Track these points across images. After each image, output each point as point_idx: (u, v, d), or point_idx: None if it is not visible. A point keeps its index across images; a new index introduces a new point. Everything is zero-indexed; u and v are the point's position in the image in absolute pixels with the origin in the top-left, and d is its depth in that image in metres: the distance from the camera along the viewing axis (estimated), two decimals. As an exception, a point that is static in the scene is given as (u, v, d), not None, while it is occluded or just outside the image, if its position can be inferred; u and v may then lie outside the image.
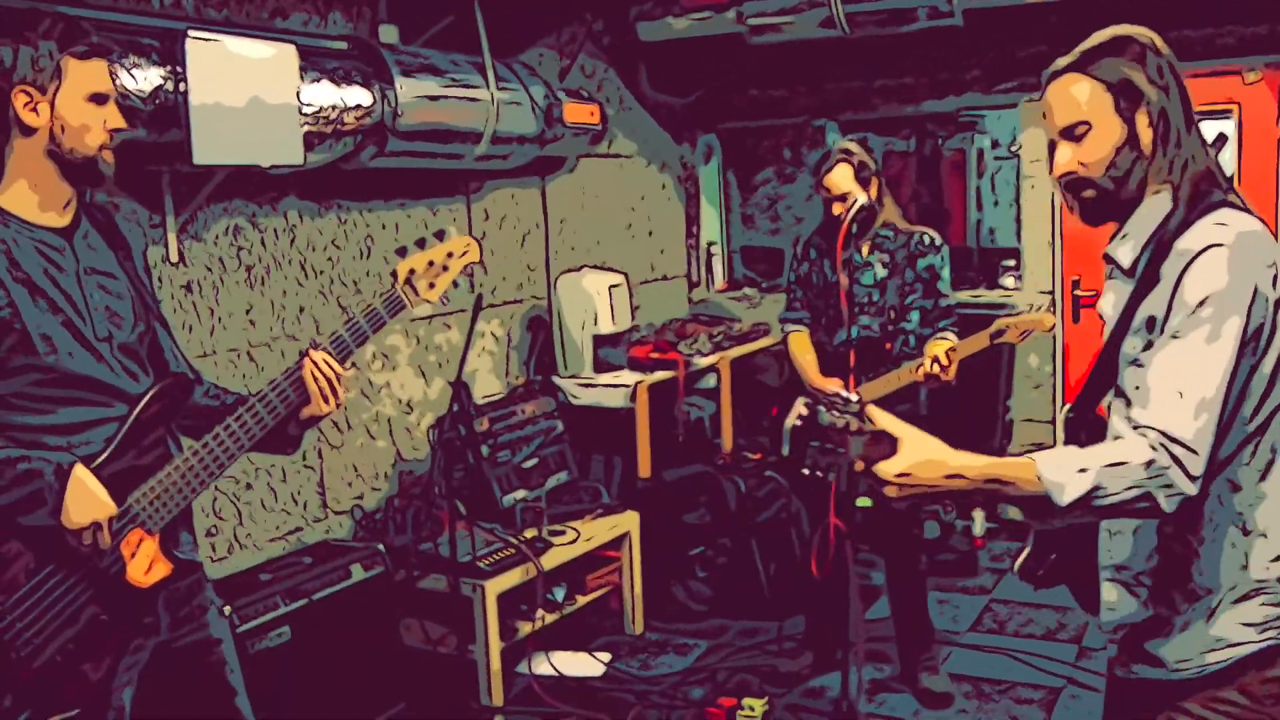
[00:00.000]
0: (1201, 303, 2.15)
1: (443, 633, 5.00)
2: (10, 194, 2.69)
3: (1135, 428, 2.14)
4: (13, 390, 2.64)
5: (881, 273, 4.84)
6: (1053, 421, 7.12)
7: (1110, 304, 2.41)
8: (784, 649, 5.40)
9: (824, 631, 5.15)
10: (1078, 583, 2.54)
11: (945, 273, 4.88)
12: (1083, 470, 2.09)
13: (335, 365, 2.92)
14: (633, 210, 7.40)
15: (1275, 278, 2.20)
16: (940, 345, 4.71)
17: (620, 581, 5.76)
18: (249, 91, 4.18)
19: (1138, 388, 2.22)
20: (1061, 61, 2.35)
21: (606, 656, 5.47)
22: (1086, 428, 2.44)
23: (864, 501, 5.65)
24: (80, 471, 2.60)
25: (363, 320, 3.01)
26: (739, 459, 6.42)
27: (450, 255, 3.08)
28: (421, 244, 3.10)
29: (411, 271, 3.04)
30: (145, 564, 2.71)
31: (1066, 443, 2.40)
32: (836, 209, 4.79)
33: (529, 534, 5.30)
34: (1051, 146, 2.39)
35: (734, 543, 5.97)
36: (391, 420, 5.54)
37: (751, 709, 4.84)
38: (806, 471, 2.36)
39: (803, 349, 4.99)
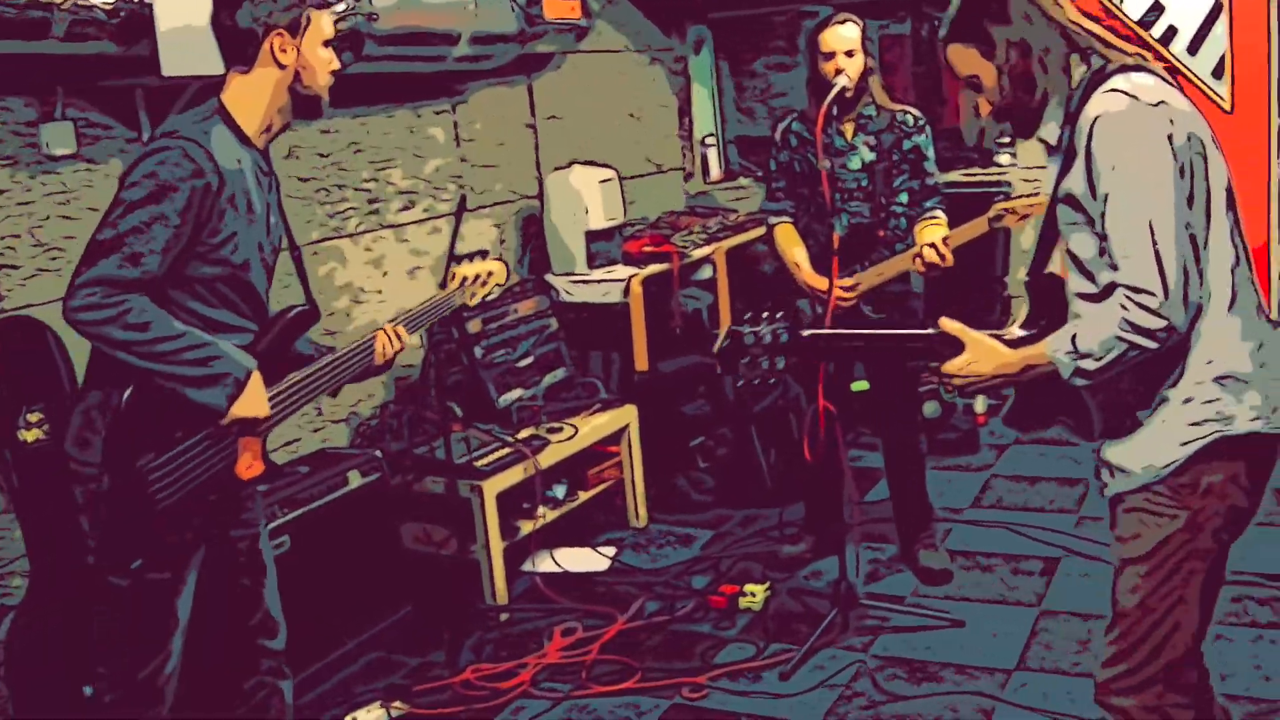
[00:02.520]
0: (1114, 166, 2.48)
1: (444, 535, 5.06)
2: (240, 107, 3.08)
3: (1109, 290, 2.48)
4: (204, 275, 3.01)
5: (869, 156, 4.78)
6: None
7: (1049, 179, 2.70)
8: (785, 535, 5.45)
9: (823, 516, 5.18)
10: (1069, 416, 2.76)
11: (930, 152, 4.83)
12: (1070, 347, 2.50)
13: (405, 337, 3.45)
14: (624, 105, 7.34)
15: (1171, 120, 2.50)
16: (933, 230, 4.68)
17: (621, 475, 5.80)
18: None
19: (1100, 254, 2.56)
20: (941, 33, 2.75)
21: (611, 551, 5.53)
22: (1044, 288, 2.76)
23: (859, 385, 5.68)
24: (258, 375, 3.02)
25: (431, 307, 3.60)
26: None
27: (491, 274, 3.73)
28: (472, 258, 3.76)
29: (465, 279, 3.69)
30: (249, 461, 3.10)
31: (1031, 305, 2.77)
32: (833, 72, 4.60)
33: (526, 433, 5.33)
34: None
35: (734, 432, 6.00)
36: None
37: (753, 594, 4.89)
38: (741, 383, 2.84)
39: (791, 241, 4.89)
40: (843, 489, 4.87)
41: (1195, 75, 6.62)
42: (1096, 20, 2.73)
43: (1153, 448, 2.60)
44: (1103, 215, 2.51)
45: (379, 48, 4.90)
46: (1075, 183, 2.58)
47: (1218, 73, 6.63)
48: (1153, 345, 2.44)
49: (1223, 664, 4.09)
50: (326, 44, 3.15)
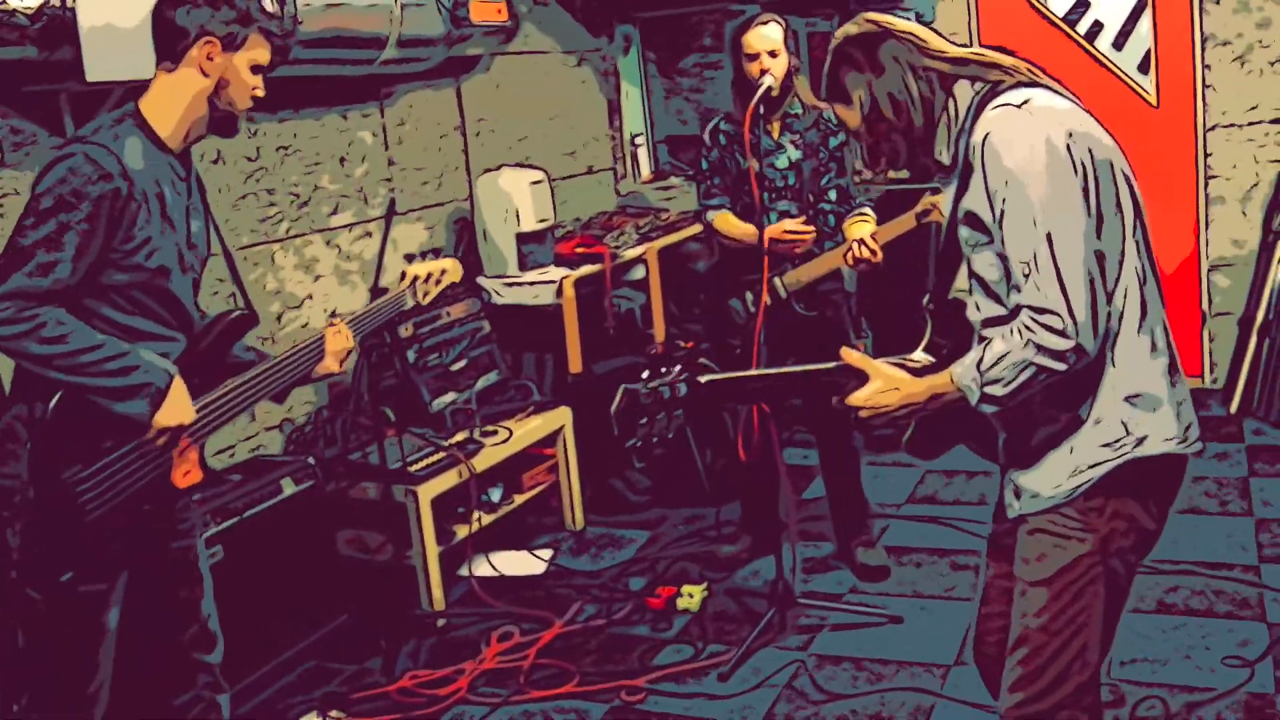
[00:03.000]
0: (1007, 181, 2.40)
1: (380, 541, 5.01)
2: (156, 112, 3.05)
3: (1013, 312, 2.42)
4: (118, 282, 2.97)
5: (795, 154, 4.80)
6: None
7: (946, 202, 2.64)
8: (722, 534, 5.45)
9: (759, 515, 5.19)
10: (973, 440, 2.77)
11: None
12: (975, 374, 2.44)
13: (351, 337, 3.43)
14: (553, 106, 7.32)
15: (1069, 133, 2.42)
16: (861, 226, 4.71)
17: (557, 478, 5.78)
18: (140, 2, 4.06)
19: (998, 280, 2.51)
20: (820, 97, 2.80)
21: (547, 554, 5.51)
22: (946, 313, 2.72)
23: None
24: (179, 381, 2.99)
25: (382, 308, 3.59)
26: (671, 348, 6.43)
27: (445, 272, 3.67)
28: (424, 255, 3.80)
29: (416, 277, 3.63)
30: (185, 469, 3.08)
31: (933, 329, 2.74)
32: (757, 72, 4.61)
33: (460, 437, 5.30)
34: None
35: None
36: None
37: (691, 595, 4.89)
38: (639, 444, 2.75)
39: (732, 223, 4.84)
40: (778, 488, 4.88)
41: (1121, 70, 6.72)
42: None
43: (1062, 469, 2.54)
44: (1003, 232, 2.43)
45: (304, 50, 4.86)
46: (975, 201, 2.50)
47: (1143, 67, 6.72)
48: (1061, 367, 2.37)
49: (1155, 651, 4.16)
50: (256, 69, 3.13)
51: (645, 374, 2.73)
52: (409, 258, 3.72)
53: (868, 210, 4.81)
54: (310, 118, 5.46)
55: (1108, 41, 6.71)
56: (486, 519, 5.33)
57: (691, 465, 5.95)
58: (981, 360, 2.43)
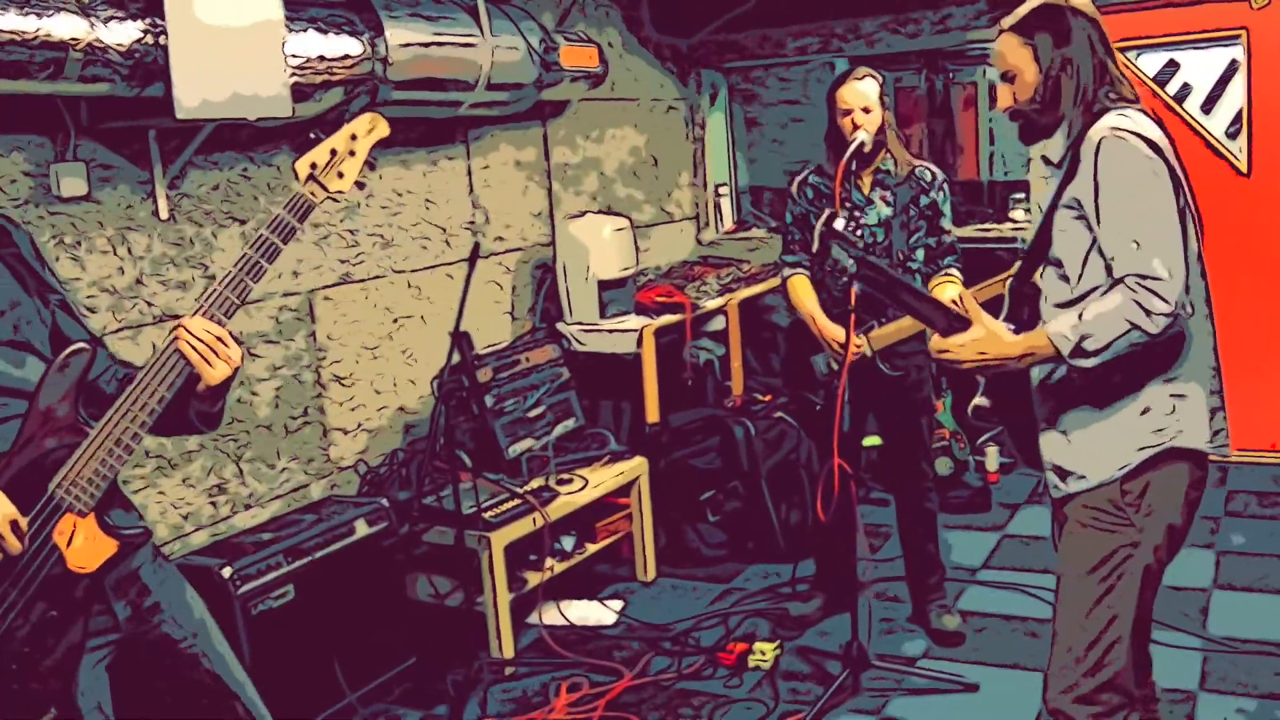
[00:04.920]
0: (1116, 174, 2.73)
1: (450, 586, 4.99)
2: None
3: (1115, 283, 2.69)
4: None
5: (885, 211, 4.74)
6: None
7: (1044, 195, 3.06)
8: (796, 592, 5.37)
9: (835, 574, 5.11)
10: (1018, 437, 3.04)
11: (947, 208, 4.79)
12: (1074, 325, 2.69)
13: (212, 328, 2.66)
14: (639, 153, 7.32)
15: (1161, 151, 2.76)
16: (949, 288, 4.64)
17: (630, 528, 5.73)
18: (232, 42, 4.10)
19: (1078, 262, 2.83)
20: (1006, 21, 2.97)
21: (618, 604, 5.45)
22: (1026, 295, 3.02)
23: (871, 440, 5.61)
24: None
25: (276, 227, 2.77)
26: (749, 401, 6.37)
27: (354, 138, 2.87)
28: (315, 136, 2.87)
29: (314, 166, 2.83)
30: (86, 548, 2.60)
31: (1010, 307, 3.03)
32: (851, 127, 4.60)
33: (535, 484, 5.27)
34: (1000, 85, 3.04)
35: (745, 486, 5.93)
36: (395, 373, 5.50)
37: (763, 653, 4.81)
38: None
39: (805, 293, 4.84)
40: (855, 548, 4.79)
41: (1210, 134, 6.60)
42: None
43: (1108, 450, 2.83)
44: (1108, 216, 2.73)
45: (394, 92, 4.89)
46: (1080, 190, 2.80)
47: (1233, 133, 6.59)
48: (1154, 330, 2.63)
49: None
50: None
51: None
52: (299, 146, 3.01)
53: (954, 271, 4.74)
54: (395, 159, 5.47)
55: (1196, 104, 6.60)
56: (558, 567, 5.29)
57: (766, 520, 5.87)
58: (1082, 315, 2.69)
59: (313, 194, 2.81)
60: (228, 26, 4.07)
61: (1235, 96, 6.52)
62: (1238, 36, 6.42)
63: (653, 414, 5.99)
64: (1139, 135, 2.75)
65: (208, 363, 2.65)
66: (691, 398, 6.39)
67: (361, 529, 4.57)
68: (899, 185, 4.75)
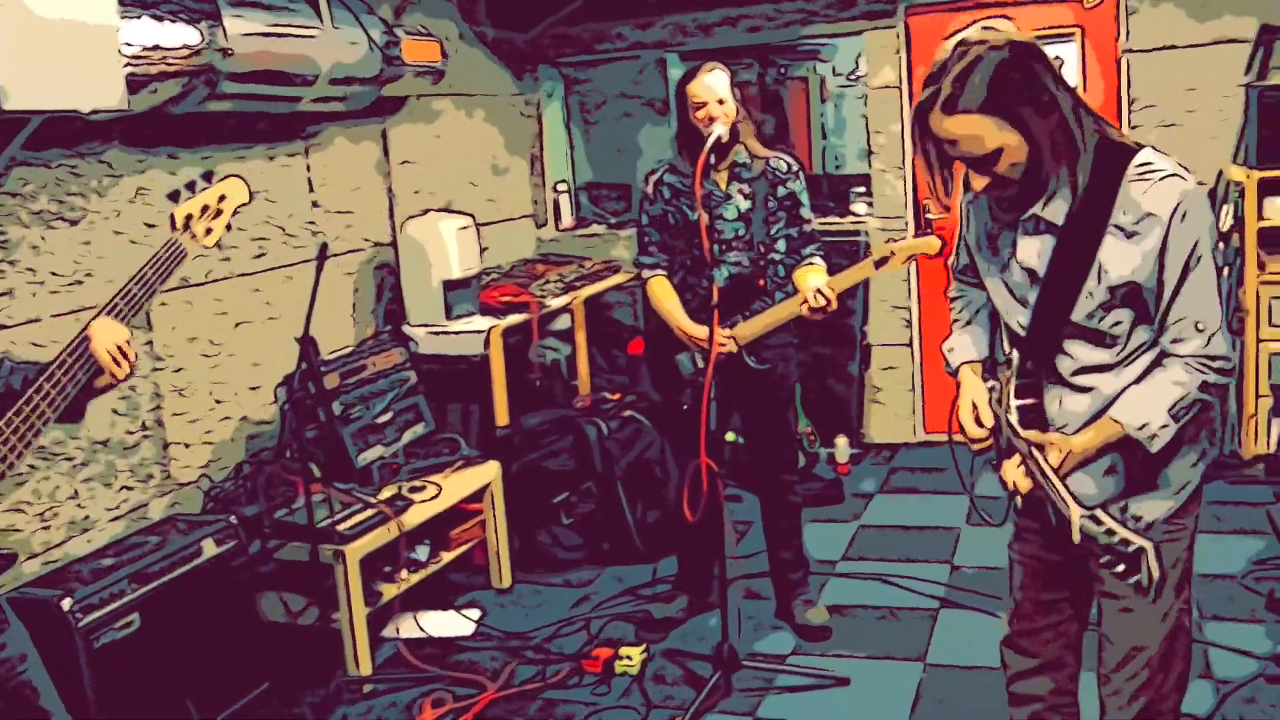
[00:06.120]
0: (1195, 243, 2.52)
1: (304, 604, 4.77)
2: None
3: (1179, 359, 2.59)
4: None
5: (744, 205, 4.68)
6: (909, 344, 7.10)
7: (1034, 254, 2.68)
8: (658, 593, 5.29)
9: (698, 573, 5.04)
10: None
11: (805, 198, 4.76)
12: (1164, 425, 2.58)
13: (121, 330, 2.86)
14: (476, 150, 7.15)
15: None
16: (815, 276, 4.61)
17: (485, 534, 5.57)
18: (63, 30, 3.83)
19: (1174, 325, 2.59)
20: (966, 101, 2.45)
21: (476, 613, 5.29)
22: (1042, 379, 2.79)
23: (732, 436, 5.57)
24: None
25: (151, 273, 2.97)
26: (598, 400, 6.27)
27: (223, 199, 3.08)
28: (192, 187, 3.12)
29: (189, 216, 3.03)
30: None
31: (1019, 366, 2.79)
32: (706, 121, 4.52)
33: (388, 492, 5.08)
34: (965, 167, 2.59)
35: (599, 487, 5.82)
36: (236, 381, 5.25)
37: (629, 658, 4.71)
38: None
39: (665, 294, 4.77)
40: (723, 546, 4.72)
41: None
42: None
43: (1167, 493, 2.76)
44: (1171, 288, 2.56)
45: (233, 85, 4.65)
46: (1130, 256, 2.56)
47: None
48: (1214, 402, 2.67)
49: None
50: None
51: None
52: (173, 195, 3.19)
53: (817, 260, 4.71)
54: (232, 156, 5.22)
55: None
56: (413, 578, 5.11)
57: (622, 521, 5.77)
58: (1173, 406, 2.58)
59: (187, 244, 3.05)
60: (59, 11, 3.79)
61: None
62: (1072, 35, 6.55)
63: (502, 416, 5.85)
64: (1199, 189, 2.55)
65: (116, 363, 2.83)
66: (540, 399, 6.27)
67: (210, 549, 4.31)
68: (756, 178, 4.69)
